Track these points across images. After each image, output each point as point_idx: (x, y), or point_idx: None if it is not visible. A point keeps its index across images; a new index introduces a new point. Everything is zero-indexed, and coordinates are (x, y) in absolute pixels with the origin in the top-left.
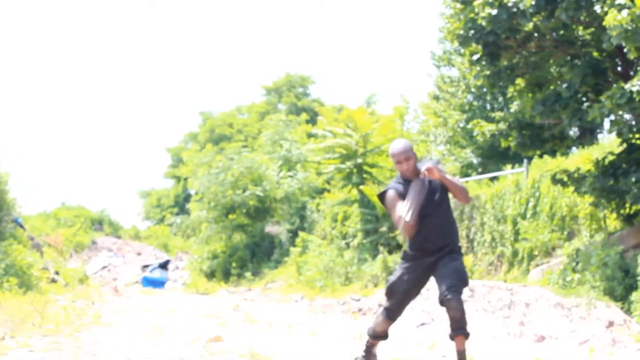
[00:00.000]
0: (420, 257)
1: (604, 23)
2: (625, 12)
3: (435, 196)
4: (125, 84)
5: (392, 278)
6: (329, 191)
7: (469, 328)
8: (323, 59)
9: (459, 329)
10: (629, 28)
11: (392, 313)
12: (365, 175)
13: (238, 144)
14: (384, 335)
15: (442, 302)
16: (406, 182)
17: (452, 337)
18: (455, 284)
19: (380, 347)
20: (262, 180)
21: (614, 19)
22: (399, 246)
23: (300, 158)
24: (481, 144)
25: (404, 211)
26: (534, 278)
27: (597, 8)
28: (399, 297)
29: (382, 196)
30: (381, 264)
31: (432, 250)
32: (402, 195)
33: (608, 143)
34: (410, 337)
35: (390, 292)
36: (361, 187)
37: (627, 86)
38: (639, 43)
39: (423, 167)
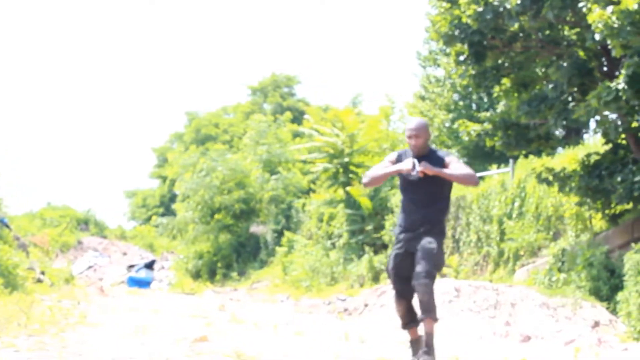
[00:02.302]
0: (402, 234)
1: (588, 18)
2: (610, 8)
3: (426, 182)
4: (111, 84)
5: (390, 263)
6: (314, 191)
7: (437, 314)
8: (309, 58)
9: (426, 312)
10: (615, 25)
11: (397, 293)
12: (351, 175)
13: (222, 146)
14: (409, 320)
15: (414, 286)
16: (409, 157)
17: (421, 319)
18: (427, 269)
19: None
20: (245, 183)
21: (600, 16)
22: (384, 246)
23: (281, 159)
24: (467, 144)
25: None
26: (520, 278)
27: (582, 4)
28: (393, 275)
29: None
30: (367, 264)
31: (411, 228)
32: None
33: (593, 143)
34: (396, 337)
35: (388, 274)
36: (347, 188)
37: (612, 84)
38: (625, 40)
39: (422, 165)
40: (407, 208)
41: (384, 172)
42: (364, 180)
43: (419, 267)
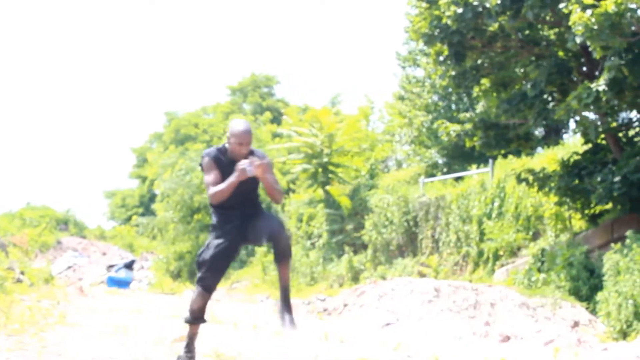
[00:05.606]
0: (230, 225)
1: (569, 22)
2: (589, 11)
3: (249, 181)
4: (91, 84)
5: (209, 252)
6: (294, 191)
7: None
8: (288, 58)
9: (288, 257)
10: (594, 27)
11: (209, 287)
12: (330, 175)
13: (202, 146)
14: (202, 316)
15: (272, 236)
16: (230, 160)
17: (279, 262)
18: (279, 223)
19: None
20: None
21: (580, 18)
22: (364, 246)
23: None
24: (446, 144)
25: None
26: (499, 278)
27: (562, 5)
28: (218, 267)
29: (204, 158)
30: (346, 264)
31: (239, 218)
32: (220, 168)
33: (573, 143)
34: (376, 337)
35: (204, 265)
36: (327, 187)
37: (593, 85)
38: (604, 42)
39: (256, 161)
40: (233, 203)
41: (229, 185)
42: (212, 200)
43: (274, 223)
